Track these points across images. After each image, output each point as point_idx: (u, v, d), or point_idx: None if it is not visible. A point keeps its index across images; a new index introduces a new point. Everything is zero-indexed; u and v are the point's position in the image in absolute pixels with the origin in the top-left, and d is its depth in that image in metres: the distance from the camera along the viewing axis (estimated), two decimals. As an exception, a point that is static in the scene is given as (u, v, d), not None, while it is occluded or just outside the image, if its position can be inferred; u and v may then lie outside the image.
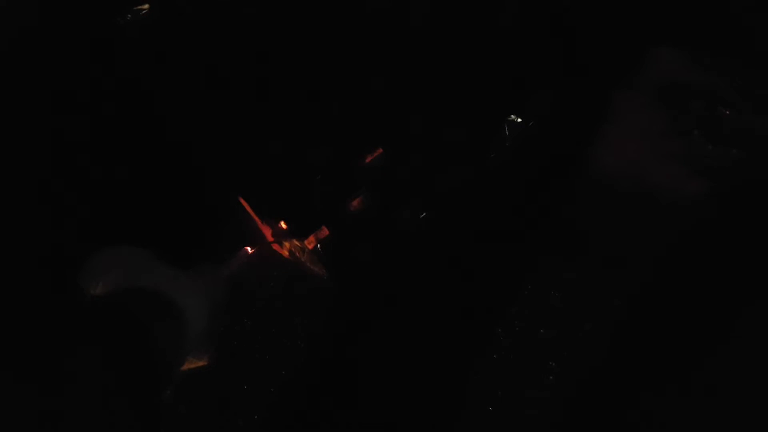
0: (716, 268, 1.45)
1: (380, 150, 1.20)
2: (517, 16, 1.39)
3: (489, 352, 1.33)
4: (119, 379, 0.84)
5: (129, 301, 0.87)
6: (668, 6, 1.61)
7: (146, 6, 1.17)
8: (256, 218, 1.24)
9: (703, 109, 1.60)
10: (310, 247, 1.10)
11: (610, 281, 1.44)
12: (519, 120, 1.22)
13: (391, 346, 1.32)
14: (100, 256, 0.92)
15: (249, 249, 1.19)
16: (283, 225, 1.17)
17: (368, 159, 1.19)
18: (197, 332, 0.93)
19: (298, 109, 1.25)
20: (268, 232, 1.27)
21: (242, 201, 1.28)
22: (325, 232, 1.12)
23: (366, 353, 1.31)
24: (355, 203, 1.19)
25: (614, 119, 1.54)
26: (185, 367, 0.93)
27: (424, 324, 1.33)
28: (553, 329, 1.36)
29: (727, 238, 1.48)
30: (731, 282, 1.43)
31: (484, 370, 1.32)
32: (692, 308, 1.41)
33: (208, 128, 1.24)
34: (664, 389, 1.35)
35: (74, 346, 0.82)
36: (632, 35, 1.57)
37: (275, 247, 1.30)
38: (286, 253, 1.29)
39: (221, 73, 1.26)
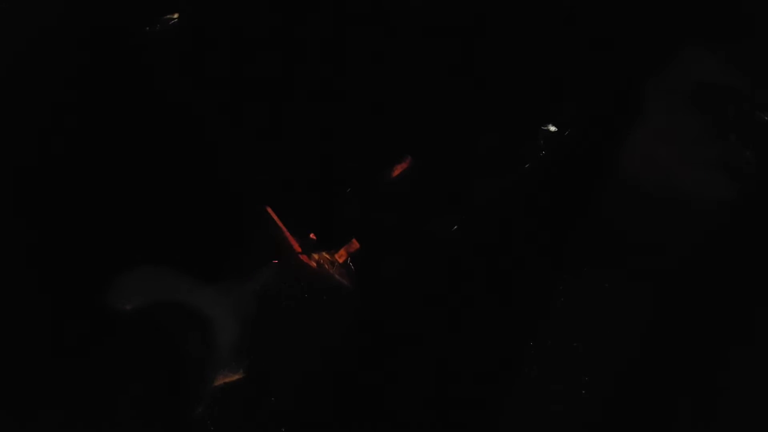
0: (746, 274, 1.42)
1: (410, 160, 1.17)
2: (550, 25, 1.36)
3: (521, 366, 1.30)
4: (151, 395, 0.84)
5: (158, 317, 0.88)
6: (704, 7, 1.57)
7: (176, 15, 1.15)
8: (284, 229, 1.23)
9: (739, 113, 1.56)
10: (341, 260, 1.08)
11: (642, 291, 1.41)
12: (554, 129, 1.18)
13: (418, 360, 1.30)
14: (130, 274, 0.93)
15: (277, 261, 1.17)
16: (312, 237, 1.15)
17: (399, 170, 1.17)
18: (227, 346, 0.93)
19: (328, 120, 1.23)
20: (296, 244, 1.25)
21: (271, 212, 1.26)
22: (355, 245, 1.10)
23: (394, 366, 1.29)
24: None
25: (648, 124, 1.51)
26: (218, 382, 0.93)
27: (453, 338, 1.30)
28: (585, 343, 1.33)
29: (756, 242, 1.44)
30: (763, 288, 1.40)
31: (516, 384, 1.29)
32: (722, 317, 1.38)
33: (237, 138, 1.23)
34: (698, 400, 1.32)
35: (105, 362, 0.82)
36: (668, 37, 1.53)
37: (304, 258, 1.28)
38: (314, 264, 1.27)
39: (249, 84, 1.25)
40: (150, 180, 1.21)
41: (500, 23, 1.35)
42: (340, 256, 1.09)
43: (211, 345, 0.92)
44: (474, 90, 1.28)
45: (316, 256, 1.26)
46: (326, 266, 1.28)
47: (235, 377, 0.96)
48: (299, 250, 1.25)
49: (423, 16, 1.34)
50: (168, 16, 1.15)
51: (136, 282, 0.94)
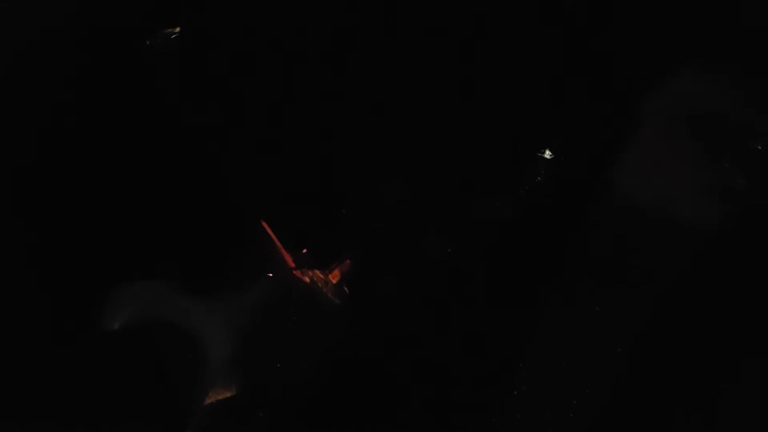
0: (738, 296, 1.44)
1: (403, 183, 1.18)
2: (546, 47, 1.36)
3: (511, 386, 1.32)
4: (141, 412, 0.84)
5: (148, 335, 0.88)
6: (702, 29, 1.57)
7: (177, 29, 1.15)
8: (278, 244, 1.24)
9: (735, 138, 1.57)
10: (335, 281, 1.09)
11: (633, 313, 1.43)
12: (550, 155, 1.20)
13: (411, 376, 1.32)
14: (119, 291, 0.92)
15: (270, 275, 1.19)
16: (305, 254, 1.17)
17: (391, 192, 1.18)
18: (219, 363, 0.94)
19: (326, 135, 1.23)
20: (290, 259, 1.27)
21: (265, 226, 1.28)
22: (348, 264, 1.11)
23: (385, 385, 1.32)
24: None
25: (643, 146, 1.52)
26: (211, 399, 0.94)
27: (446, 354, 1.33)
28: (575, 363, 1.35)
29: (748, 266, 1.46)
30: (754, 310, 1.42)
31: (505, 404, 1.31)
32: (713, 340, 1.40)
33: (235, 153, 1.24)
34: (690, 424, 1.34)
35: (95, 383, 0.82)
36: (665, 59, 1.54)
37: (297, 274, 1.29)
38: (307, 279, 1.29)
39: (249, 97, 1.25)
40: (145, 190, 1.22)
41: (497, 43, 1.36)
42: (334, 276, 1.10)
43: (202, 362, 0.93)
44: (473, 107, 1.29)
45: (309, 273, 1.27)
46: (319, 284, 1.30)
47: (228, 393, 0.97)
48: (293, 265, 1.27)
49: (424, 30, 1.34)
50: (169, 30, 1.15)
51: (126, 299, 0.93)
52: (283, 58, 1.28)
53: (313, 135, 1.24)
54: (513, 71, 1.32)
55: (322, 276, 1.16)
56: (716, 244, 1.46)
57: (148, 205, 1.22)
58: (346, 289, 1.09)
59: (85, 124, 1.30)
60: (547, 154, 1.21)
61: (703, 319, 1.42)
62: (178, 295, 0.98)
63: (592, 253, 1.44)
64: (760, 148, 1.48)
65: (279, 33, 1.30)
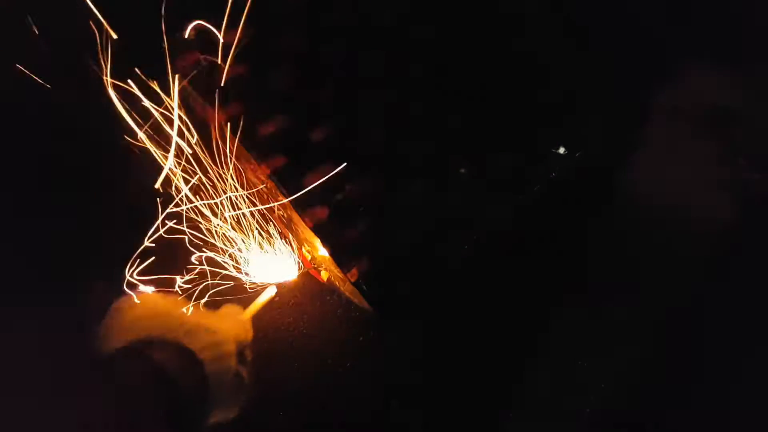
0: (750, 295, 1.43)
1: (421, 183, 1.18)
2: (560, 49, 1.37)
3: (527, 386, 1.32)
4: None
5: (149, 352, 0.81)
6: (713, 28, 1.57)
7: (195, 24, 1.15)
8: (293, 242, 1.23)
9: (747, 136, 1.57)
10: (353, 280, 1.08)
11: (649, 311, 1.43)
12: (564, 151, 1.19)
13: (424, 376, 1.32)
14: (119, 307, 0.87)
15: (276, 283, 1.17)
16: (323, 252, 1.16)
17: (408, 191, 1.17)
18: (222, 383, 0.87)
19: (344, 138, 1.23)
20: (305, 259, 1.26)
21: (280, 225, 1.27)
22: (366, 264, 1.10)
23: (400, 382, 1.31)
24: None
25: (656, 146, 1.52)
26: (216, 418, 0.88)
27: (461, 355, 1.32)
28: (591, 360, 1.35)
29: (763, 264, 1.45)
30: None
31: (521, 404, 1.31)
32: (729, 339, 1.40)
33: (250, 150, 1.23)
34: (702, 420, 1.33)
35: (95, 401, 0.76)
36: (676, 58, 1.54)
37: (313, 273, 1.29)
38: (323, 279, 1.28)
39: (268, 95, 1.25)
40: (158, 191, 1.20)
41: (508, 46, 1.36)
42: (352, 275, 1.09)
43: (202, 379, 0.86)
44: (486, 110, 1.28)
45: (326, 272, 1.27)
46: (337, 283, 1.29)
47: (233, 413, 0.92)
48: (309, 265, 1.26)
49: (438, 38, 1.34)
50: (192, 25, 1.15)
51: (124, 317, 0.88)
52: (308, 53, 1.28)
53: (332, 135, 1.24)
54: (530, 70, 1.32)
55: (340, 275, 1.15)
56: (732, 241, 1.46)
57: (162, 207, 1.21)
58: (364, 287, 1.08)
59: (99, 125, 1.28)
60: (562, 150, 1.20)
61: (722, 317, 1.41)
62: (180, 311, 0.93)
63: (608, 252, 1.44)
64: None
65: (296, 33, 1.31)
